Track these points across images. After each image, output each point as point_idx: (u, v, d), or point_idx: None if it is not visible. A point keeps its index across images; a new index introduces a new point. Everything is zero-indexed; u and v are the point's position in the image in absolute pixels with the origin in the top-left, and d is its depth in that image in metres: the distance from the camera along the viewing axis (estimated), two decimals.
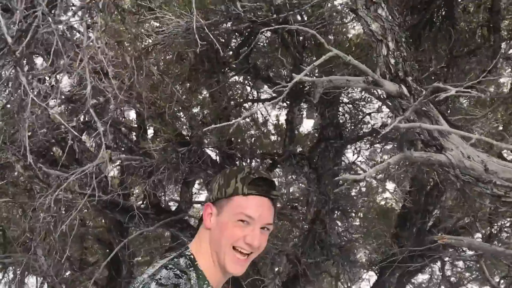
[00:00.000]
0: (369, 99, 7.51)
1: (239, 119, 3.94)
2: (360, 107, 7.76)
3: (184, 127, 7.33)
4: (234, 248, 1.96)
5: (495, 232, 7.42)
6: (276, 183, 8.83)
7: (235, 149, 7.40)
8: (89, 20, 3.59)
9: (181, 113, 7.21)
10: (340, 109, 7.74)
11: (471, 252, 7.55)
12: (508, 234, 7.64)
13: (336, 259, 7.57)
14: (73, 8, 3.47)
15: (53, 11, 3.39)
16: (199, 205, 10.08)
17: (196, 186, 9.70)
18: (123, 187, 7.52)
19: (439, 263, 8.90)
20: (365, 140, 7.97)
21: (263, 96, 8.26)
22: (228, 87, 7.54)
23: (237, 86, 8.06)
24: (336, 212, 7.94)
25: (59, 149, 7.82)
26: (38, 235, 7.01)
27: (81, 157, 7.27)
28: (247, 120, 8.75)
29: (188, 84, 7.36)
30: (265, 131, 9.01)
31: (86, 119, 7.86)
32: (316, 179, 7.16)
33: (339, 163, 7.56)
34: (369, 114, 7.74)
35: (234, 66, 7.04)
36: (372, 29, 3.81)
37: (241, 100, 7.58)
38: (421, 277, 10.20)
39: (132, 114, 8.72)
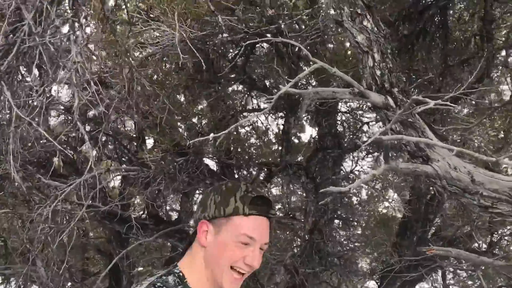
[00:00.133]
0: (366, 108, 7.49)
1: (230, 128, 3.92)
2: (358, 116, 7.74)
3: (182, 137, 7.33)
4: (232, 267, 1.93)
5: (495, 241, 7.38)
6: (275, 192, 8.85)
7: (233, 159, 7.39)
8: (76, 34, 3.59)
9: (179, 123, 7.21)
10: (338, 118, 7.72)
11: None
12: (508, 243, 7.59)
13: (335, 269, 7.54)
14: (57, 22, 3.47)
15: (40, 25, 3.39)
16: None
17: (197, 196, 9.69)
18: (121, 197, 7.53)
19: (440, 272, 8.84)
20: (363, 149, 7.93)
21: (262, 106, 8.25)
22: (226, 97, 7.53)
23: (235, 97, 8.04)
24: (335, 221, 7.91)
25: (53, 159, 7.81)
26: (36, 246, 7.01)
27: (81, 168, 7.28)
28: (247, 129, 8.76)
29: (186, 95, 7.38)
30: (265, 140, 9.02)
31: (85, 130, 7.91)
32: (314, 189, 7.13)
33: (338, 172, 7.53)
34: (367, 123, 7.72)
35: (231, 76, 7.04)
36: (357, 41, 3.80)
37: (237, 110, 7.56)
38: (423, 286, 10.16)
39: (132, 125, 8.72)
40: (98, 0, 4.66)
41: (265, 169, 7.62)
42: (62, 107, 7.40)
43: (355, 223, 8.36)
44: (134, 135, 8.26)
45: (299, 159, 8.64)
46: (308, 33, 6.04)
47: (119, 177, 9.22)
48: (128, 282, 9.24)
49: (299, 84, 6.48)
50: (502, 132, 6.82)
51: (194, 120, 7.41)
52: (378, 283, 8.41)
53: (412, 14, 5.64)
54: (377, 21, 3.80)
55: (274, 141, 8.80)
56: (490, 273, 8.07)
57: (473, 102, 6.35)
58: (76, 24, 3.66)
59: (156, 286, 1.83)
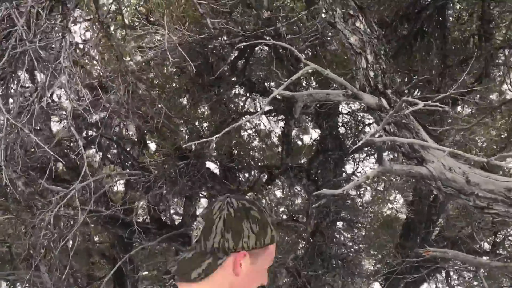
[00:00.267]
0: (367, 109, 7.45)
1: (226, 129, 3.89)
2: (359, 118, 7.71)
3: (183, 140, 7.33)
4: None
5: (498, 241, 7.34)
6: (278, 195, 8.83)
7: (235, 162, 7.39)
8: (65, 38, 3.60)
9: (180, 127, 7.21)
10: (339, 120, 7.70)
11: None
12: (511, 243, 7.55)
13: (337, 271, 7.52)
14: (47, 27, 3.48)
15: (30, 30, 3.40)
16: None
17: (200, 201, 9.69)
18: (123, 202, 7.55)
19: (443, 273, 8.81)
20: (366, 151, 7.92)
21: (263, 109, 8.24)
22: (227, 100, 7.53)
23: (235, 100, 8.04)
24: (338, 223, 7.89)
25: (56, 164, 7.84)
26: (39, 252, 7.03)
27: (83, 173, 7.29)
28: (250, 132, 8.76)
29: (187, 98, 7.38)
30: (268, 143, 9.02)
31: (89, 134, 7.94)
32: (316, 191, 7.10)
33: (339, 174, 7.51)
34: (369, 124, 7.69)
35: (231, 79, 7.05)
36: (350, 42, 3.78)
37: (238, 113, 7.55)
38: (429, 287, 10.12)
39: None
40: (93, 5, 4.66)
41: (266, 172, 7.60)
42: (64, 112, 7.42)
43: (359, 225, 8.32)
44: (136, 140, 8.28)
45: (302, 161, 8.64)
46: (307, 35, 6.05)
47: (123, 181, 9.24)
48: (132, 286, 9.25)
49: (297, 86, 6.47)
50: (504, 131, 6.79)
51: (195, 123, 7.41)
52: (382, 285, 8.39)
53: (410, 14, 5.62)
54: (369, 22, 3.79)
55: (277, 143, 8.79)
56: (495, 273, 8.02)
57: (475, 102, 6.32)
58: (65, 29, 3.66)
59: None
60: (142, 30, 6.20)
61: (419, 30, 5.67)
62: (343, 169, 7.86)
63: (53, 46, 3.62)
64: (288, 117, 7.12)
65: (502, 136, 6.86)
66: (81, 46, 6.74)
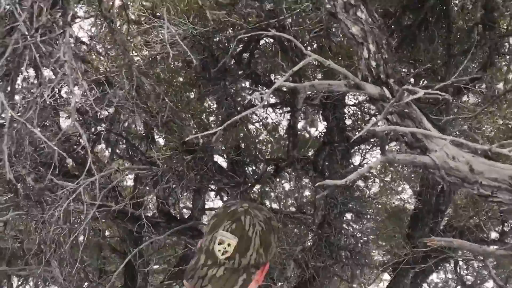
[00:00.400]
0: None
1: (229, 121, 3.92)
2: (365, 109, 7.72)
3: (190, 134, 7.36)
4: None
5: (506, 230, 7.33)
6: (286, 187, 8.84)
7: (242, 156, 7.41)
8: (64, 33, 3.63)
9: (187, 121, 7.24)
10: (346, 111, 7.71)
11: None
12: None
13: (345, 262, 7.54)
14: (48, 22, 3.52)
15: (32, 26, 3.43)
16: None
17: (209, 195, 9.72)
18: (132, 196, 7.58)
19: (452, 263, 8.81)
20: (372, 142, 7.92)
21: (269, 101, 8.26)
22: (234, 94, 7.55)
23: (242, 93, 8.05)
24: (345, 215, 7.90)
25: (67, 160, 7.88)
26: (50, 247, 7.08)
27: (87, 167, 7.33)
28: (257, 125, 8.79)
29: (193, 92, 7.42)
30: (276, 135, 9.04)
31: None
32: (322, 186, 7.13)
33: (346, 166, 7.52)
34: (375, 115, 7.68)
35: (236, 72, 7.07)
36: (352, 32, 3.79)
37: (245, 106, 7.56)
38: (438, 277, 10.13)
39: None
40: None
41: (273, 165, 7.62)
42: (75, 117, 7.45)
43: (367, 216, 8.33)
44: (144, 134, 8.32)
45: (309, 153, 8.65)
46: (311, 26, 6.05)
47: (132, 176, 9.30)
48: (143, 280, 9.30)
49: (303, 78, 6.48)
50: (511, 120, 6.76)
51: (202, 117, 7.44)
52: (391, 275, 8.40)
53: (413, 4, 5.62)
54: (371, 12, 3.79)
55: (284, 136, 8.80)
56: (504, 263, 8.02)
57: (480, 91, 6.31)
58: (65, 23, 3.70)
59: None
60: (148, 25, 6.25)
61: (423, 20, 5.67)
62: (350, 161, 7.86)
63: (57, 41, 3.66)
64: (294, 109, 7.13)
65: (509, 125, 6.84)
66: (86, 41, 6.79)
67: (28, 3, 3.23)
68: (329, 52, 6.34)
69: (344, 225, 7.87)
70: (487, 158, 3.63)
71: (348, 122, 7.83)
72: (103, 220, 8.44)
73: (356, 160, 8.33)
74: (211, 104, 7.90)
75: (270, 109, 8.38)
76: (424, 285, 9.53)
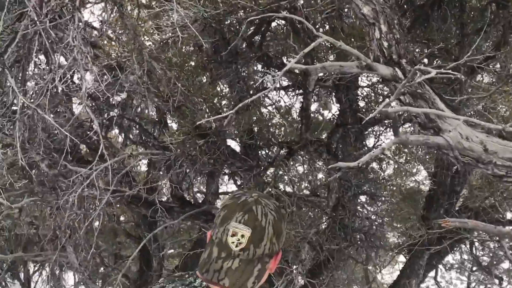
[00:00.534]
0: None
1: (242, 103, 3.89)
2: (378, 90, 7.66)
3: (203, 118, 7.34)
4: None
5: None
6: (300, 170, 8.82)
7: (255, 139, 7.38)
8: (73, 18, 3.61)
9: (199, 106, 7.22)
10: (359, 93, 7.65)
11: None
12: None
13: (360, 244, 7.52)
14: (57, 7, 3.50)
15: (41, 11, 3.42)
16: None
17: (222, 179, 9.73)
18: (146, 181, 7.60)
19: (468, 244, 8.77)
20: (386, 123, 7.87)
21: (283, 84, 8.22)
22: (246, 77, 7.52)
23: (254, 76, 8.02)
24: (359, 197, 7.87)
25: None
26: (65, 233, 7.12)
27: (100, 153, 7.35)
28: (270, 109, 8.76)
29: (205, 76, 7.39)
30: (289, 119, 9.00)
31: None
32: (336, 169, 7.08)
33: (360, 148, 7.47)
34: (388, 96, 7.62)
35: (248, 55, 7.03)
36: (363, 13, 3.74)
37: (257, 89, 7.52)
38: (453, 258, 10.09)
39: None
40: None
41: (286, 147, 7.59)
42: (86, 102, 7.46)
43: (382, 198, 8.29)
44: (156, 119, 8.32)
45: (323, 136, 8.62)
46: (323, 8, 6.00)
47: (145, 161, 9.32)
48: (158, 265, 9.35)
49: (315, 60, 6.43)
50: None
51: (214, 101, 7.42)
52: (406, 257, 8.38)
53: None
54: None
55: (297, 119, 8.76)
56: None
57: (494, 71, 6.23)
58: (74, 8, 3.68)
59: None
60: (158, 8, 6.21)
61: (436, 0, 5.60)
62: (364, 143, 7.81)
63: (67, 26, 3.64)
64: (307, 92, 7.09)
65: None
66: (97, 26, 6.78)
67: None
68: (341, 34, 6.28)
69: (358, 207, 7.84)
70: (501, 138, 3.59)
71: (361, 104, 7.77)
72: (118, 205, 8.48)
73: (370, 142, 8.29)
74: (223, 88, 7.87)
75: (282, 92, 8.35)
76: (440, 266, 9.51)
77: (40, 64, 4.60)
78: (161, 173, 8.05)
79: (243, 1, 5.36)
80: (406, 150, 8.04)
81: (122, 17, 4.90)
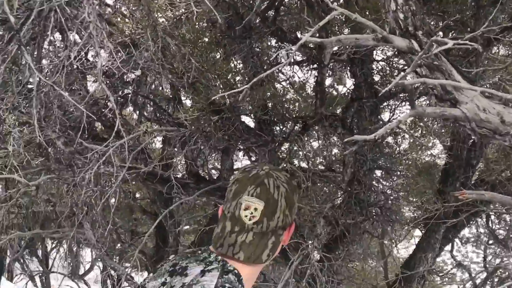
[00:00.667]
0: None
1: (256, 78, 3.87)
2: (394, 64, 7.60)
3: (217, 93, 7.33)
4: None
5: None
6: (315, 145, 8.81)
7: (270, 114, 7.37)
8: None
9: (213, 82, 7.21)
10: (374, 67, 7.60)
11: None
12: None
13: (375, 218, 7.53)
14: None
15: None
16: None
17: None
18: (161, 158, 7.64)
19: (484, 217, 8.75)
20: (401, 97, 7.82)
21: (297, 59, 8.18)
22: (259, 52, 7.48)
23: (267, 51, 7.98)
24: (375, 172, 7.85)
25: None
26: (81, 209, 7.18)
27: (116, 129, 7.38)
28: (284, 84, 8.73)
29: (219, 52, 7.37)
30: (303, 94, 8.97)
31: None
32: (352, 141, 7.06)
33: (375, 122, 7.43)
34: (404, 70, 7.57)
35: (262, 30, 6.99)
36: None
37: (271, 64, 7.48)
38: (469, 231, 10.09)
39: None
40: None
41: (301, 123, 7.57)
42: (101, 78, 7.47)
43: (398, 172, 8.27)
44: (171, 96, 8.33)
45: (338, 111, 8.59)
46: None
47: (160, 138, 9.36)
48: (174, 240, 9.42)
49: (329, 34, 6.38)
50: None
51: (228, 77, 7.40)
52: (422, 231, 8.38)
53: None
54: None
55: (312, 94, 8.73)
56: None
57: (510, 42, 6.17)
58: None
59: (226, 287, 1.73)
60: None
61: None
62: (379, 117, 7.77)
63: (81, 3, 3.64)
64: (321, 66, 7.05)
65: None
66: (111, 3, 6.77)
67: None
68: (356, 6, 6.23)
69: (374, 182, 7.82)
70: None
71: (376, 78, 7.73)
72: (133, 182, 8.53)
73: (385, 116, 8.24)
74: (237, 64, 7.85)
75: (296, 67, 8.32)
76: (456, 240, 9.52)
77: (55, 42, 4.61)
78: (176, 149, 8.09)
79: None
80: (421, 124, 8.01)
81: None
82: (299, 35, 7.33)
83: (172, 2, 6.38)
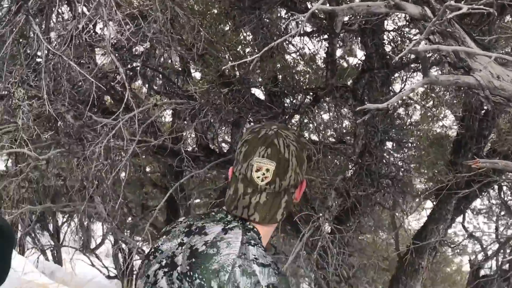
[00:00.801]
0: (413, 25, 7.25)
1: (265, 49, 3.82)
2: (405, 34, 7.51)
3: (227, 64, 7.28)
4: None
5: None
6: (326, 117, 8.77)
7: (280, 86, 7.31)
8: None
9: (222, 54, 7.15)
10: (385, 37, 7.51)
11: None
12: None
13: (387, 190, 7.50)
14: None
15: None
16: None
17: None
18: (171, 131, 7.61)
19: (496, 188, 8.70)
20: (413, 67, 7.74)
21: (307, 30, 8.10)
22: (269, 23, 7.40)
23: (277, 22, 7.89)
24: (386, 143, 7.80)
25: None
26: (92, 183, 7.18)
27: (125, 101, 7.35)
28: (294, 56, 8.66)
29: (228, 23, 7.30)
30: (314, 66, 8.90)
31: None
32: (363, 111, 7.02)
33: (387, 93, 7.37)
34: (415, 44, 7.46)
35: (272, 0, 6.90)
36: None
37: (281, 35, 7.40)
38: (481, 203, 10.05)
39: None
40: None
41: (311, 94, 7.51)
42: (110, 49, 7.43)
43: (409, 144, 8.22)
44: (180, 69, 8.29)
45: (348, 83, 8.52)
46: None
47: (170, 111, 9.33)
48: (185, 214, 9.43)
49: (341, 2, 6.30)
50: None
51: (238, 49, 7.34)
52: (434, 203, 8.34)
53: None
54: None
55: (322, 66, 8.65)
56: None
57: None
58: None
59: (252, 244, 1.75)
60: None
61: None
62: (390, 88, 7.70)
63: None
64: (332, 36, 6.97)
65: None
66: None
67: None
68: None
69: (385, 153, 7.78)
70: None
71: (387, 49, 7.64)
72: (143, 156, 8.53)
73: (397, 87, 8.17)
74: (247, 36, 7.77)
75: (306, 39, 8.23)
76: (468, 211, 9.48)
77: (63, 13, 4.56)
78: (185, 123, 8.06)
79: None
80: (433, 94, 7.94)
81: None
82: (309, 5, 7.23)
83: None
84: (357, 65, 8.51)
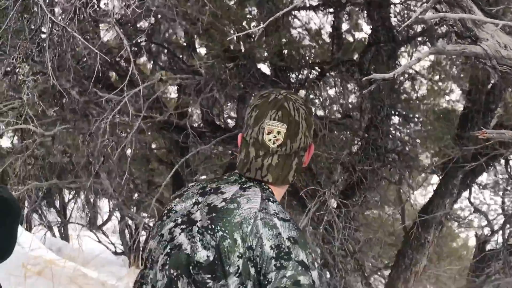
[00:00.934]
0: None
1: (270, 19, 3.78)
2: (411, 7, 7.45)
3: (232, 41, 7.25)
4: None
5: None
6: (332, 92, 8.74)
7: (285, 61, 7.28)
8: None
9: (228, 28, 7.11)
10: (391, 10, 7.45)
11: None
12: None
13: (393, 164, 7.48)
14: None
15: None
16: None
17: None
18: (176, 106, 7.60)
19: (502, 162, 8.67)
20: (419, 41, 7.68)
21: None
22: None
23: None
24: (392, 118, 7.77)
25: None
26: (98, 159, 7.20)
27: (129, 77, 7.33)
28: (299, 30, 8.61)
29: None
30: (319, 41, 8.85)
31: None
32: (369, 85, 6.98)
33: (393, 67, 7.32)
34: (422, 13, 7.41)
35: None
36: None
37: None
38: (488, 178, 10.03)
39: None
40: None
41: (317, 68, 7.48)
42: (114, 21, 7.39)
43: (415, 119, 8.20)
44: (185, 44, 8.25)
45: (354, 57, 8.47)
46: None
47: (175, 87, 9.31)
48: None
49: None
50: None
51: (243, 23, 7.30)
52: (440, 177, 8.32)
53: None
54: None
55: (328, 41, 8.61)
56: None
57: None
58: None
59: (271, 200, 1.79)
60: None
61: None
62: (397, 62, 7.65)
63: None
64: (338, 10, 6.93)
65: None
66: None
67: None
68: None
69: (391, 128, 7.75)
70: None
71: (394, 22, 7.58)
72: (149, 132, 8.53)
73: (403, 62, 8.11)
74: (252, 10, 7.72)
75: (312, 13, 8.18)
76: (474, 186, 9.45)
77: None
78: (191, 98, 8.05)
79: None
80: (439, 68, 7.90)
81: None
82: None
83: None
84: (363, 39, 8.45)
